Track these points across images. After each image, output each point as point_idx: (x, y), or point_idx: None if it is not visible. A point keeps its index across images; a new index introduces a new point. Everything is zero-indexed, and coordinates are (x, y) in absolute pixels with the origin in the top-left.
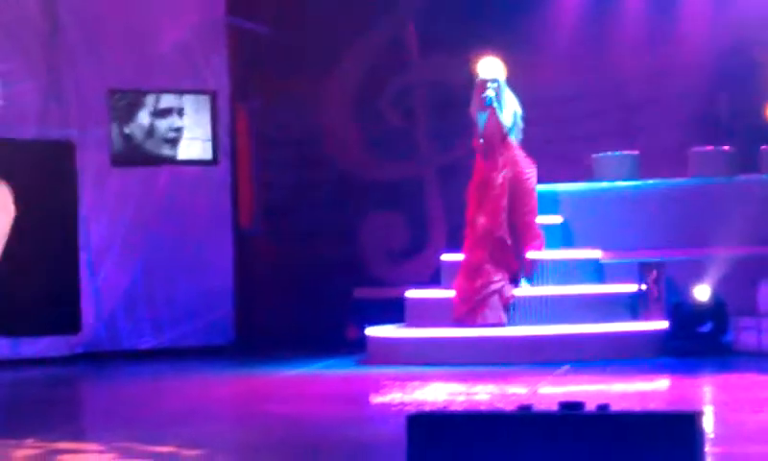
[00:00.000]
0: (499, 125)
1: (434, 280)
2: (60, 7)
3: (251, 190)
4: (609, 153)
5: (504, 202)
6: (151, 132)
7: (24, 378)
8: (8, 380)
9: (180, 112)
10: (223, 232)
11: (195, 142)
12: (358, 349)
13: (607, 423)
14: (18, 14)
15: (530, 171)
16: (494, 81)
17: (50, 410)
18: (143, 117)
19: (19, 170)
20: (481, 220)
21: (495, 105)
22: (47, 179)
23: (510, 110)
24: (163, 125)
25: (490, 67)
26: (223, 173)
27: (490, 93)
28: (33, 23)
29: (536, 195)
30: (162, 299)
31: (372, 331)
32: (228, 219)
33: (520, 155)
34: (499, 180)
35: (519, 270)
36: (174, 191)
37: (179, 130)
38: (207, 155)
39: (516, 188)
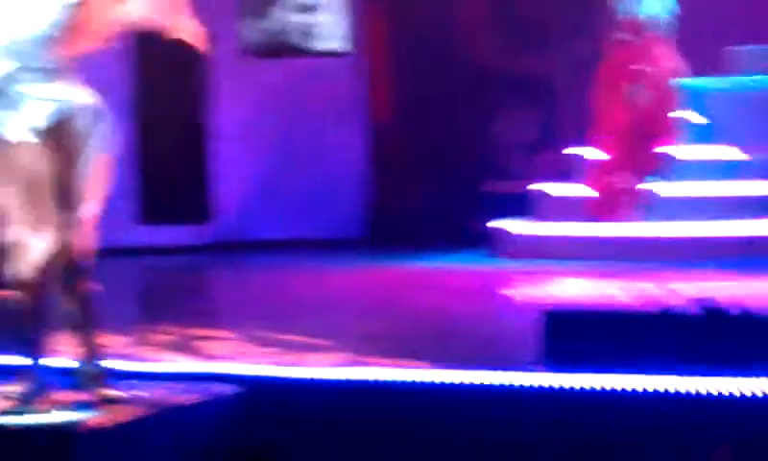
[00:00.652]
0: (643, 15)
1: (564, 175)
2: None
3: (385, 82)
4: (749, 46)
5: (642, 96)
6: (286, 24)
7: (156, 266)
8: (141, 267)
9: (315, 4)
10: (356, 124)
11: (330, 34)
12: (488, 242)
13: (746, 324)
14: None
15: (672, 65)
16: None
17: (183, 298)
18: (278, 10)
19: (152, 61)
20: (616, 114)
21: None
22: (180, 69)
23: (656, 1)
24: (299, 17)
25: None
26: (357, 64)
27: None
28: None
29: (677, 91)
30: (295, 190)
31: (501, 225)
32: (362, 111)
33: (663, 48)
34: (638, 73)
35: (655, 166)
36: (308, 82)
37: (313, 22)
38: (342, 46)
39: (656, 83)
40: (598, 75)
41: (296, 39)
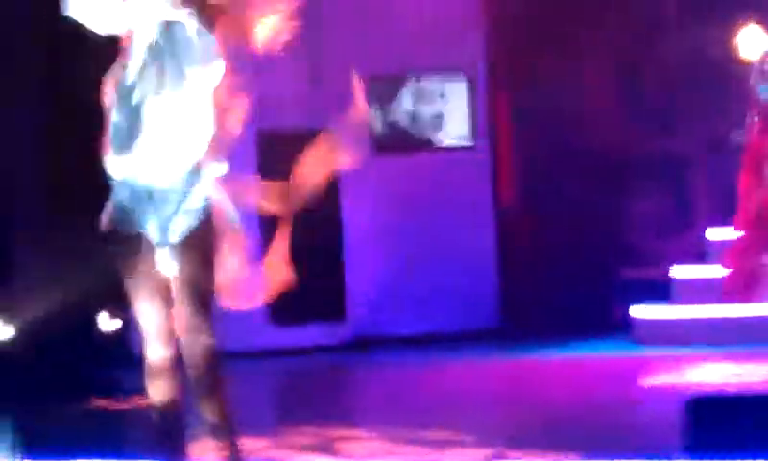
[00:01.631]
0: None
1: (701, 258)
2: None
3: (510, 170)
4: None
5: None
6: (413, 116)
7: (294, 367)
8: (278, 369)
9: (442, 95)
10: (483, 214)
11: (455, 126)
12: (625, 329)
13: None
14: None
15: None
16: None
17: (319, 398)
18: (405, 102)
19: (281, 160)
20: (755, 195)
21: None
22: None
23: None
24: (426, 109)
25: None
26: (482, 154)
27: None
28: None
29: None
30: (425, 283)
31: (638, 311)
32: (489, 201)
33: None
34: None
35: None
36: (433, 175)
37: (440, 114)
38: (466, 137)
39: None
40: (742, 156)
41: (421, 132)
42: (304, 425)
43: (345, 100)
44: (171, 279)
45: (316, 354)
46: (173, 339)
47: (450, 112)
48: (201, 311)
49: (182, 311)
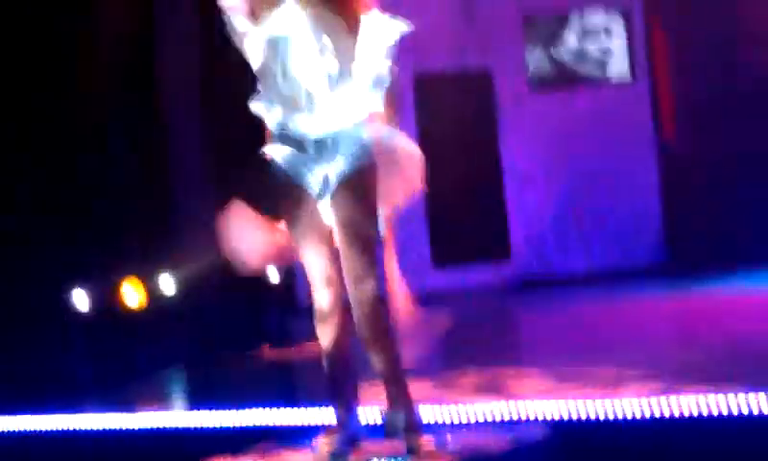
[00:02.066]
0: None
1: None
2: None
3: (672, 105)
4: None
5: None
6: (580, 53)
7: (459, 309)
8: (445, 311)
9: (608, 31)
10: (646, 150)
11: (615, 62)
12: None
13: None
14: None
15: None
16: None
17: (486, 339)
18: (570, 39)
19: (437, 101)
20: None
21: None
22: (466, 108)
23: None
24: (593, 45)
25: None
26: (642, 90)
27: None
28: None
29: None
30: (589, 221)
31: None
32: (651, 136)
33: None
34: None
35: None
36: (594, 113)
37: (607, 50)
38: (626, 74)
39: None
40: None
41: (583, 69)
42: (472, 366)
43: (499, 38)
44: (333, 228)
45: (480, 296)
46: (339, 285)
47: (610, 49)
48: (363, 259)
49: (346, 260)
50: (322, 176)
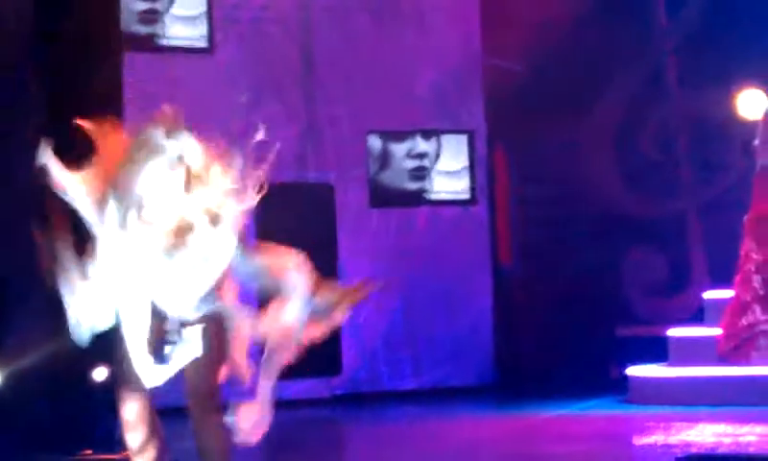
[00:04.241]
0: None
1: (697, 318)
2: (316, 50)
3: (508, 229)
4: None
5: None
6: (408, 173)
7: (286, 420)
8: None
9: (438, 153)
10: (481, 272)
11: (452, 182)
12: (620, 388)
13: None
14: (277, 58)
15: None
16: None
17: (315, 452)
18: (401, 159)
19: (280, 213)
20: (755, 256)
21: None
22: (307, 221)
23: None
24: (420, 166)
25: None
26: (481, 212)
27: None
28: (291, 67)
29: None
30: (422, 339)
31: (634, 371)
32: (487, 259)
33: None
34: None
35: None
36: (431, 231)
37: (435, 170)
38: (465, 194)
39: None
40: (745, 218)
41: (421, 187)
42: None
43: (342, 153)
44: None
45: (311, 408)
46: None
47: (448, 170)
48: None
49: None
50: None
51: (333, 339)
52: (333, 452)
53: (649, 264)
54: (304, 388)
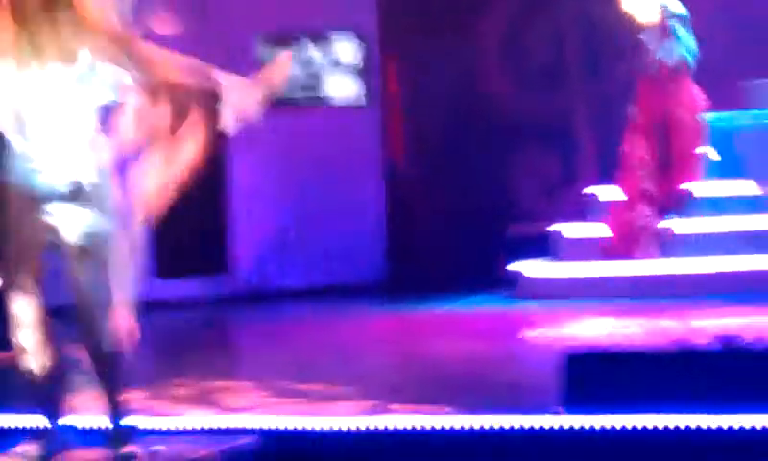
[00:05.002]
0: (673, 56)
1: (584, 215)
2: None
3: (402, 132)
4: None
5: (666, 135)
6: (315, 74)
7: (178, 320)
8: (163, 322)
9: (331, 55)
10: (374, 175)
11: (346, 85)
12: (510, 284)
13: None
14: None
15: (698, 105)
16: (674, 11)
17: (202, 350)
18: (305, 59)
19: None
20: (638, 152)
21: (674, 34)
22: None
23: (684, 41)
24: (314, 68)
25: None
26: (373, 115)
27: (671, 22)
28: None
29: (701, 129)
30: (313, 239)
31: (521, 267)
32: (379, 161)
33: (690, 87)
34: (664, 113)
35: (677, 203)
36: (325, 134)
37: (329, 72)
38: (358, 98)
39: (681, 122)
40: (627, 114)
41: (312, 91)
42: (185, 378)
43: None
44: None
45: (201, 307)
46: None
47: (341, 72)
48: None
49: (76, 286)
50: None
51: (220, 239)
52: (216, 353)
53: (540, 163)
54: (193, 287)
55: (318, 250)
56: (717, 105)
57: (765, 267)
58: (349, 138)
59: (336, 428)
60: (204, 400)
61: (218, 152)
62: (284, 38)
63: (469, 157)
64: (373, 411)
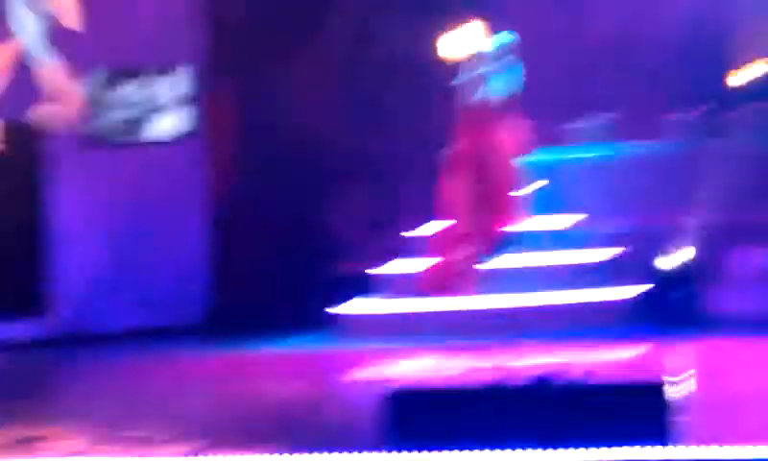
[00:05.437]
0: (490, 93)
1: (408, 253)
2: None
3: (225, 168)
4: (585, 118)
5: (483, 172)
6: (123, 111)
7: None
8: None
9: (155, 90)
10: (197, 211)
11: (169, 120)
12: (332, 324)
13: (579, 394)
14: None
15: (515, 140)
16: (492, 49)
17: (19, 396)
18: (117, 97)
19: None
20: (457, 191)
21: (490, 71)
22: (15, 163)
23: (504, 79)
24: (137, 104)
25: (479, 34)
26: (197, 150)
27: (485, 61)
28: None
29: (518, 165)
30: (134, 279)
31: (343, 307)
32: (201, 199)
33: (508, 123)
34: (483, 152)
35: (499, 240)
36: (146, 171)
37: (153, 108)
38: (181, 132)
39: (498, 158)
40: (446, 155)
41: (136, 127)
42: (2, 424)
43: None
44: None
45: (18, 350)
46: None
47: (165, 107)
48: None
49: None
50: None
51: (39, 279)
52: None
53: (360, 201)
54: (9, 329)
55: (139, 290)
56: (543, 140)
57: (584, 300)
58: (172, 176)
59: None
60: (23, 447)
61: (36, 189)
62: (111, 72)
63: (295, 195)
64: (195, 453)
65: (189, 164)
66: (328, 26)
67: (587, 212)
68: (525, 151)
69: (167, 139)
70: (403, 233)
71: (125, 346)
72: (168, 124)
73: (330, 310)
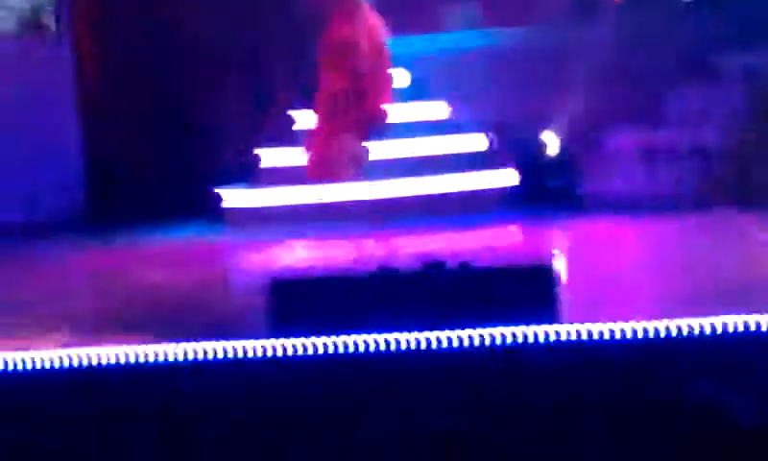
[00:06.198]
0: None
1: (285, 141)
2: None
3: (95, 61)
4: (454, 5)
5: (354, 61)
6: None
7: None
8: None
9: None
10: (69, 106)
11: (37, 12)
12: (215, 212)
13: (465, 278)
14: None
15: (382, 28)
16: None
17: None
18: None
19: None
20: (331, 79)
21: None
22: None
23: None
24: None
25: None
26: (64, 47)
27: None
28: None
29: (387, 52)
30: (11, 175)
31: (226, 195)
32: (73, 90)
33: (371, 11)
34: (351, 38)
35: (372, 127)
36: (15, 70)
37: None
38: (51, 24)
39: (368, 46)
40: (318, 43)
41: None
42: None
43: None
44: None
45: None
46: None
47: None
48: None
49: None
50: None
51: None
52: None
53: (240, 90)
54: None
55: (17, 187)
56: (407, 28)
57: (455, 188)
58: (41, 73)
59: (48, 363)
60: None
61: None
62: None
63: (171, 83)
64: (84, 344)
65: (58, 61)
66: None
67: (463, 100)
68: (393, 36)
69: (35, 36)
70: (282, 120)
71: (5, 242)
72: (34, 13)
73: (215, 198)
